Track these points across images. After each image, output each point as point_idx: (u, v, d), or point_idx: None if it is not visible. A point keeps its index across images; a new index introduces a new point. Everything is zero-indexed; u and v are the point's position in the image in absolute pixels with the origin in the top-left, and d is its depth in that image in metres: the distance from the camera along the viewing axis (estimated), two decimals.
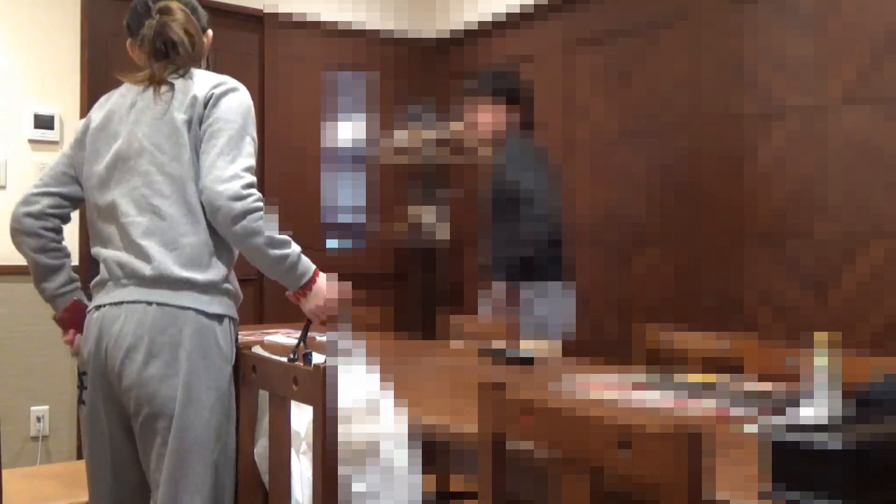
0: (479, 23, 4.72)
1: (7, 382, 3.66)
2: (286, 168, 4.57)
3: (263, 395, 1.92)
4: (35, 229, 1.93)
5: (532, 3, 4.36)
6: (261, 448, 1.92)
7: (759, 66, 3.36)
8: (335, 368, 1.64)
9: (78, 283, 2.03)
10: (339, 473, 1.64)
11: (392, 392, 1.82)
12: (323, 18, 4.69)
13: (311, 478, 1.74)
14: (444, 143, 4.79)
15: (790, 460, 1.11)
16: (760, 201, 3.35)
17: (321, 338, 2.17)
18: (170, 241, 1.79)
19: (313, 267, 1.89)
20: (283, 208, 4.87)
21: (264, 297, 4.42)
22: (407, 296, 4.94)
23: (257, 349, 2.00)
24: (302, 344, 2.02)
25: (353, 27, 4.77)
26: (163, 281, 1.77)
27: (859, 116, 3.05)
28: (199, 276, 1.79)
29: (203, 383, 1.77)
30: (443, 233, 4.89)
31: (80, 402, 1.89)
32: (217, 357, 1.81)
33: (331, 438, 1.63)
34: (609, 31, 3.98)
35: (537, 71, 4.37)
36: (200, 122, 1.83)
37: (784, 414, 1.54)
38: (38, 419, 3.71)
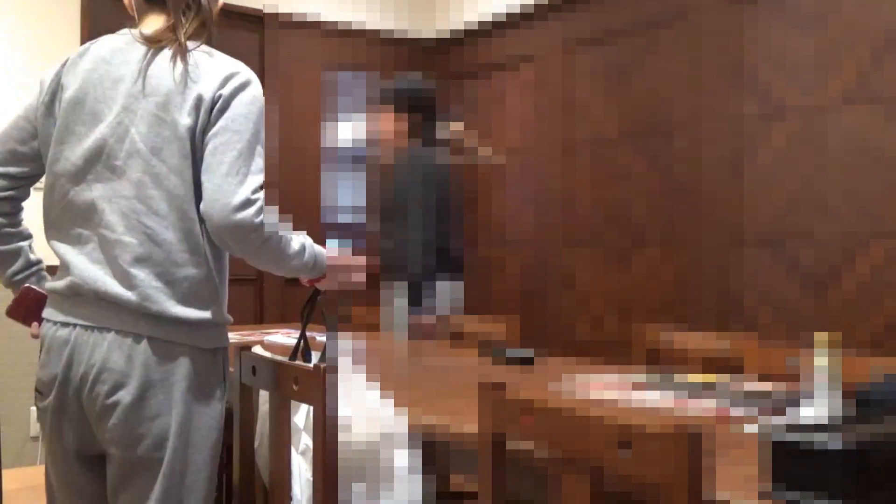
0: (479, 23, 4.72)
1: (7, 382, 3.66)
2: (286, 168, 4.57)
3: (263, 396, 1.92)
4: None
5: (532, 3, 4.36)
6: (261, 448, 1.92)
7: (758, 66, 3.36)
8: (335, 368, 1.64)
9: (38, 267, 1.78)
10: (339, 474, 1.64)
11: (392, 393, 1.82)
12: (323, 18, 4.69)
13: (310, 478, 1.74)
14: (444, 143, 4.79)
15: (790, 460, 1.11)
16: (760, 201, 3.35)
17: (321, 338, 2.17)
18: (164, 273, 1.55)
19: (325, 252, 1.77)
20: (284, 208, 4.86)
21: (264, 297, 4.43)
22: None
23: (257, 349, 2.00)
24: (303, 339, 2.00)
25: (353, 27, 4.77)
26: (154, 317, 1.55)
27: (859, 116, 3.05)
28: (196, 314, 1.59)
29: (199, 423, 1.60)
30: None
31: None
32: (213, 395, 1.64)
33: (331, 438, 1.63)
34: (609, 31, 3.98)
35: (537, 71, 4.37)
36: (205, 131, 1.57)
37: (784, 414, 1.54)
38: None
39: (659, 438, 1.08)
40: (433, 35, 5.02)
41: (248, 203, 1.54)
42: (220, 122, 1.57)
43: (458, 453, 1.57)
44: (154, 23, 1.65)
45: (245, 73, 1.65)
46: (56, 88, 1.65)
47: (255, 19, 4.49)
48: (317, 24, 4.67)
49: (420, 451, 1.69)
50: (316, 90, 4.68)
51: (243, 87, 1.62)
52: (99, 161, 1.57)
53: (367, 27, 4.83)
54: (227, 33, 4.79)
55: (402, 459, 1.70)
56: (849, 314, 3.04)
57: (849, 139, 3.08)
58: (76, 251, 1.59)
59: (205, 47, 1.65)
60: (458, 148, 4.76)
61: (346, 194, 3.38)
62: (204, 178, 1.55)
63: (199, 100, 1.56)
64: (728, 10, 3.48)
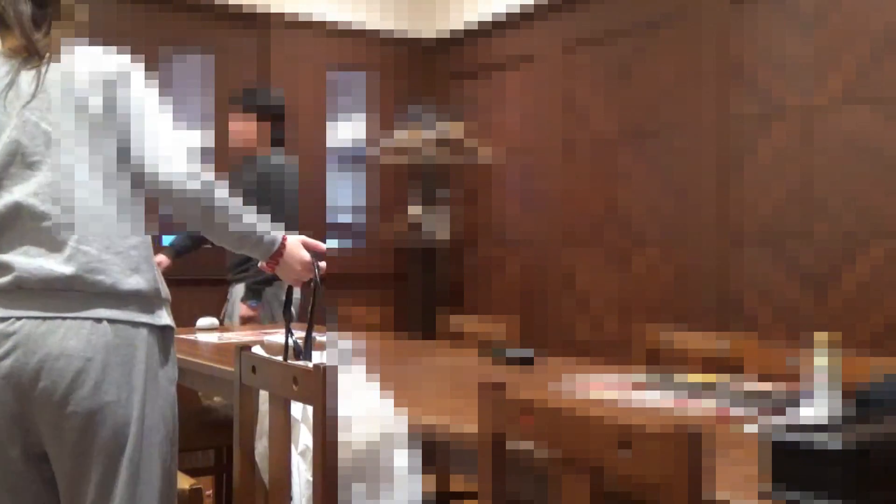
0: (479, 23, 4.72)
1: None
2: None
3: (263, 395, 1.92)
4: None
5: (532, 3, 4.36)
6: (261, 448, 1.92)
7: (758, 66, 3.36)
8: (335, 368, 1.64)
9: None
10: (339, 474, 1.64)
11: (392, 393, 1.82)
12: (323, 18, 4.69)
13: (310, 478, 1.74)
14: (444, 143, 4.80)
15: (790, 460, 1.11)
16: (760, 201, 3.35)
17: (321, 338, 2.17)
18: (111, 245, 1.56)
19: (281, 233, 1.76)
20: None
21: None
22: (407, 296, 4.94)
23: (257, 349, 2.00)
24: (292, 335, 1.99)
25: (353, 27, 4.77)
26: (109, 294, 1.55)
27: (859, 116, 3.05)
28: (144, 285, 1.59)
29: (157, 405, 1.61)
30: (443, 233, 4.89)
31: None
32: (168, 376, 1.65)
33: (331, 438, 1.63)
34: (609, 31, 3.98)
35: (537, 71, 4.37)
36: (112, 108, 1.58)
37: (784, 414, 1.54)
38: None
39: (659, 438, 1.08)
40: (433, 35, 5.02)
41: (167, 160, 1.58)
42: (122, 93, 1.59)
43: (458, 453, 1.57)
44: (10, 40, 1.64)
45: (123, 58, 1.64)
46: None
47: (256, 19, 4.49)
48: (317, 24, 4.68)
49: (420, 451, 1.69)
50: (316, 90, 4.68)
51: (131, 72, 1.62)
52: (13, 163, 1.57)
53: (367, 27, 4.83)
54: (227, 33, 4.81)
55: (402, 459, 1.70)
56: (849, 314, 3.04)
57: (849, 139, 3.08)
58: (14, 252, 1.56)
59: (85, 40, 1.64)
60: (452, 146, 4.76)
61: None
62: (133, 146, 1.58)
63: (103, 82, 1.58)
64: (728, 10, 3.48)
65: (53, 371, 1.50)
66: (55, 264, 1.53)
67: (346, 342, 1.89)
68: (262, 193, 3.26)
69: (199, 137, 1.65)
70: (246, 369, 1.93)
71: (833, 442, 1.08)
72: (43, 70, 1.59)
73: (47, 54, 1.60)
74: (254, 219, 1.69)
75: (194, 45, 4.19)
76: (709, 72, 3.55)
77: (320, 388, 1.62)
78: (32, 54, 1.60)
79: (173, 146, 1.60)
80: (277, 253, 1.77)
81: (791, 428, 1.15)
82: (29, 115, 1.57)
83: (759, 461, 1.19)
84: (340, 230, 4.78)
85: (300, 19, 4.61)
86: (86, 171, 1.57)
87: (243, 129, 3.48)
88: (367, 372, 1.83)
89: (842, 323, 3.06)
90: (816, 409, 1.33)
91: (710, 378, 2.00)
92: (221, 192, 1.62)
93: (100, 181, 1.57)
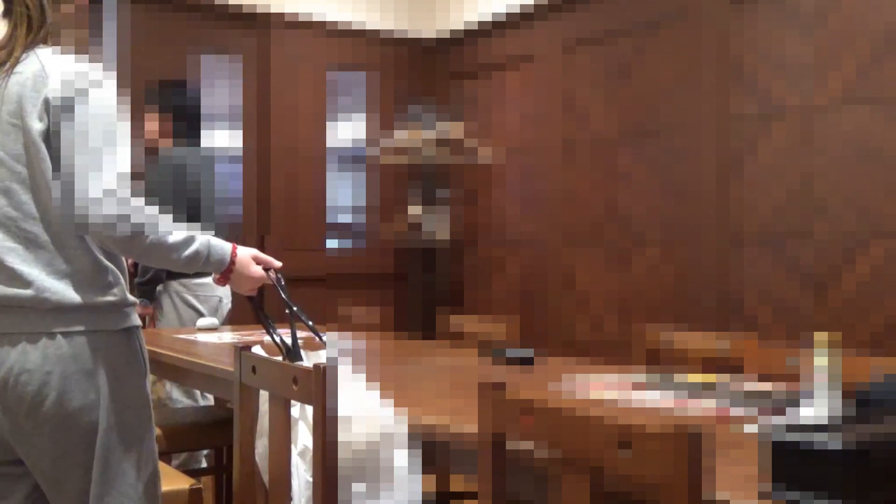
0: (479, 23, 4.72)
1: None
2: (287, 168, 4.57)
3: (263, 396, 1.92)
4: None
5: (532, 3, 4.36)
6: (261, 448, 1.92)
7: (758, 66, 3.36)
8: (335, 368, 1.64)
9: None
10: (339, 474, 1.64)
11: (392, 394, 1.82)
12: (323, 18, 4.69)
13: (309, 479, 1.74)
14: (444, 143, 4.80)
15: (790, 460, 1.11)
16: (760, 201, 3.35)
17: (321, 338, 2.17)
18: (56, 271, 1.59)
19: (230, 246, 1.76)
20: (284, 208, 4.86)
21: (264, 297, 4.42)
22: (407, 296, 4.94)
23: (257, 349, 2.00)
24: (273, 331, 1.99)
25: (353, 27, 4.77)
26: (58, 310, 1.58)
27: (859, 116, 3.05)
28: (98, 299, 1.62)
29: (126, 405, 1.65)
30: (443, 233, 4.90)
31: None
32: (135, 374, 1.69)
33: (331, 438, 1.63)
34: (609, 31, 3.98)
35: (537, 71, 4.37)
36: (55, 133, 1.56)
37: (784, 414, 1.54)
38: None
39: (659, 438, 1.08)
40: (433, 35, 5.02)
41: (109, 193, 1.54)
42: (65, 124, 1.56)
43: (458, 453, 1.57)
44: None
45: (92, 75, 1.61)
46: None
47: (256, 19, 4.49)
48: (317, 24, 4.68)
49: (420, 451, 1.69)
50: (316, 90, 4.68)
51: (85, 91, 1.59)
52: None
53: (367, 27, 4.82)
54: (227, 33, 4.81)
55: (402, 459, 1.70)
56: (849, 314, 3.04)
57: (849, 139, 3.08)
58: None
59: (57, 48, 1.63)
60: (452, 146, 4.76)
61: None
62: (55, 179, 1.56)
63: (46, 103, 1.57)
64: (728, 10, 3.48)
65: (18, 386, 1.56)
66: (4, 288, 1.57)
67: (346, 342, 1.89)
68: (163, 188, 3.25)
69: (138, 154, 1.63)
70: (246, 369, 1.93)
71: (833, 442, 1.08)
72: (3, 83, 1.59)
73: (7, 64, 1.60)
74: (195, 241, 1.67)
75: (194, 45, 4.19)
76: (709, 72, 3.55)
77: (320, 388, 1.62)
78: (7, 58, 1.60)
79: (105, 185, 1.55)
80: (227, 270, 1.77)
81: (791, 428, 1.15)
82: None
83: (759, 461, 1.19)
84: (340, 230, 4.78)
85: (300, 19, 4.61)
86: (27, 196, 1.58)
87: (158, 123, 3.41)
88: (367, 372, 1.83)
89: (842, 323, 3.06)
90: (816, 409, 1.33)
91: (710, 378, 2.00)
92: (158, 224, 1.60)
93: (40, 206, 1.58)
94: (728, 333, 2.54)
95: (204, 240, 1.69)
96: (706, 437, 1.06)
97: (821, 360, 1.42)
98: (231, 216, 3.46)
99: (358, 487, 1.68)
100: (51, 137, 1.57)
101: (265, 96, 4.52)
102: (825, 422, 1.18)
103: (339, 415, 1.64)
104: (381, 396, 1.78)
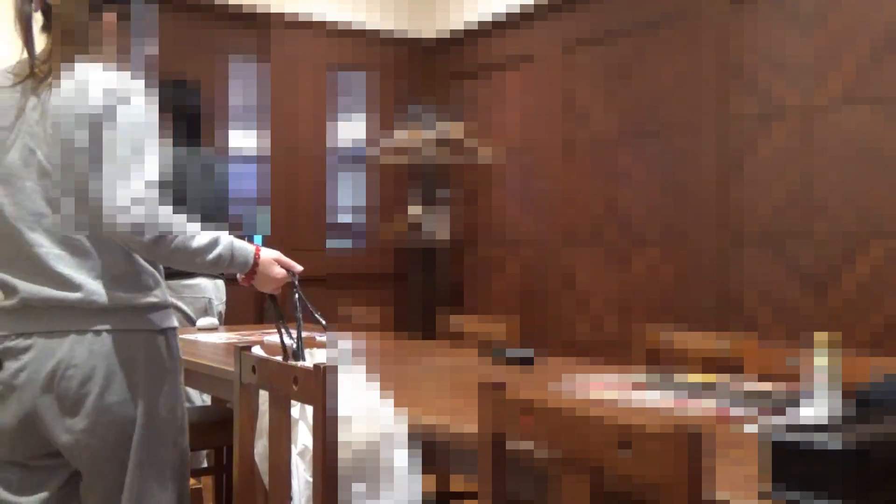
0: (479, 23, 4.72)
1: None
2: (288, 167, 4.57)
3: (263, 395, 1.92)
4: None
5: (532, 3, 4.36)
6: (261, 448, 1.92)
7: (758, 66, 3.36)
8: (335, 368, 1.64)
9: None
10: (339, 474, 1.65)
11: (392, 393, 1.82)
12: (323, 18, 4.69)
13: (308, 479, 1.74)
14: (444, 143, 4.80)
15: (790, 460, 1.11)
16: (760, 201, 3.35)
17: (321, 338, 2.17)
18: (101, 274, 1.68)
19: (252, 248, 1.81)
20: (284, 208, 4.86)
21: (264, 297, 4.42)
22: (407, 296, 4.94)
23: (257, 349, 2.00)
24: (285, 332, 2.00)
25: (353, 27, 4.77)
26: (104, 310, 1.68)
27: (859, 116, 3.05)
28: (142, 300, 1.72)
29: (164, 403, 1.74)
30: (443, 233, 4.89)
31: None
32: (172, 373, 1.77)
33: (331, 438, 1.63)
34: (609, 31, 3.98)
35: (537, 71, 4.37)
36: (93, 143, 1.63)
37: (784, 414, 1.54)
38: None
39: (659, 438, 1.08)
40: (433, 35, 5.02)
41: (137, 203, 1.61)
42: (100, 134, 1.63)
43: (458, 453, 1.57)
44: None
45: (124, 90, 1.67)
46: None
47: (256, 19, 4.49)
48: (317, 24, 4.67)
49: (420, 451, 1.69)
50: (316, 90, 4.68)
51: (119, 104, 1.65)
52: (10, 183, 1.68)
53: (367, 27, 4.83)
54: (227, 33, 4.81)
55: (402, 459, 1.70)
56: (849, 314, 3.04)
57: (849, 139, 3.08)
58: (14, 272, 1.68)
59: (95, 61, 1.68)
60: (452, 146, 4.76)
61: None
62: (91, 195, 1.63)
63: (84, 115, 1.63)
64: (728, 10, 3.48)
65: (63, 380, 1.65)
66: (52, 289, 1.66)
67: (346, 342, 1.89)
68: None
69: (167, 162, 1.68)
70: (246, 369, 1.93)
71: (833, 442, 1.08)
72: (43, 97, 1.65)
73: (48, 79, 1.66)
74: (219, 244, 1.72)
75: (194, 45, 4.19)
76: (709, 72, 3.55)
77: (320, 388, 1.62)
78: (36, 77, 1.67)
79: (133, 194, 1.61)
80: (251, 271, 1.83)
81: (791, 428, 1.15)
82: (28, 142, 1.67)
83: (759, 461, 1.19)
84: (340, 230, 4.78)
85: (300, 19, 4.61)
86: (72, 203, 1.65)
87: None
88: (367, 372, 1.83)
89: (842, 323, 3.06)
90: (816, 409, 1.33)
91: (710, 378, 2.00)
92: (181, 230, 1.65)
93: (85, 219, 1.65)
94: (728, 333, 2.54)
95: (227, 242, 1.75)
96: (706, 437, 1.06)
97: (821, 360, 1.42)
98: (241, 216, 3.46)
99: (358, 487, 1.68)
100: (88, 148, 1.63)
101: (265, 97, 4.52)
102: (825, 422, 1.18)
103: (340, 415, 1.64)
104: (382, 397, 1.78)
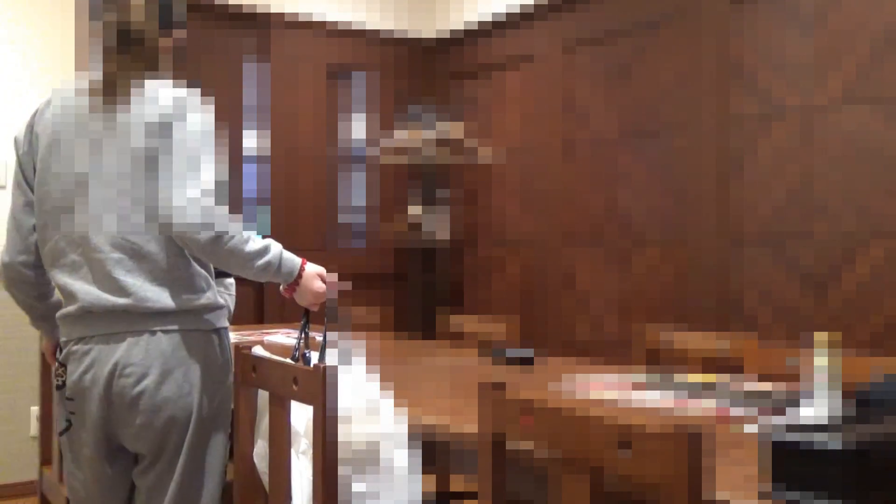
0: (479, 23, 4.72)
1: (7, 382, 3.66)
2: (288, 167, 4.57)
3: (263, 395, 1.92)
4: (33, 279, 1.91)
5: (532, 3, 4.36)
6: (261, 448, 1.92)
7: (758, 66, 3.36)
8: (335, 368, 1.64)
9: None
10: (339, 473, 1.64)
11: (392, 393, 1.82)
12: (323, 18, 4.69)
13: (310, 478, 1.74)
14: (444, 143, 4.79)
15: (790, 460, 1.11)
16: (760, 201, 3.35)
17: (321, 338, 2.17)
18: (156, 279, 1.77)
19: (299, 261, 1.89)
20: (284, 208, 4.86)
21: (264, 297, 4.42)
22: (407, 296, 4.94)
23: (257, 349, 2.00)
24: (303, 340, 2.02)
25: (353, 27, 4.77)
26: (160, 313, 1.77)
27: (859, 116, 3.05)
28: (194, 303, 1.81)
29: (217, 400, 1.84)
30: (443, 233, 4.89)
31: (64, 431, 1.86)
32: (225, 371, 1.88)
33: (331, 438, 1.63)
34: (609, 31, 3.98)
35: (537, 71, 4.37)
36: (158, 150, 1.74)
37: (784, 414, 1.54)
38: (39, 419, 3.71)
39: (659, 438, 1.08)
40: (433, 35, 5.02)
41: (193, 202, 1.70)
42: (162, 147, 1.74)
43: (458, 453, 1.57)
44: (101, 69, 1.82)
45: (191, 101, 1.79)
46: (31, 138, 1.87)
47: (256, 19, 4.49)
48: (317, 24, 4.67)
49: (420, 450, 1.69)
50: (316, 90, 4.68)
51: (185, 115, 1.77)
52: (80, 193, 1.78)
53: (367, 27, 4.83)
54: (227, 33, 4.81)
55: (402, 459, 1.70)
56: (849, 314, 3.04)
57: (849, 139, 3.08)
58: (75, 278, 1.79)
59: (163, 79, 1.82)
60: (452, 146, 4.76)
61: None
62: (149, 196, 1.75)
63: (149, 128, 1.74)
64: (728, 10, 3.48)
65: (122, 378, 1.75)
66: (107, 295, 1.76)
67: (346, 342, 1.89)
68: None
69: (224, 170, 1.80)
70: (246, 369, 1.93)
71: (833, 442, 1.08)
72: (117, 111, 1.76)
73: (120, 95, 1.77)
74: (269, 252, 1.81)
75: (194, 45, 4.19)
76: (709, 72, 3.55)
77: (320, 388, 1.62)
78: (109, 93, 1.78)
79: (190, 195, 1.71)
80: (294, 282, 1.89)
81: (791, 428, 1.15)
82: (97, 153, 1.77)
83: (759, 461, 1.19)
84: (341, 230, 4.78)
85: (300, 19, 4.61)
86: (129, 209, 1.75)
87: None
88: (367, 372, 1.83)
89: (842, 323, 3.06)
90: (816, 409, 1.33)
91: (710, 378, 2.00)
92: (237, 233, 1.75)
93: (143, 219, 1.76)
94: (728, 333, 2.54)
95: (277, 251, 1.83)
96: (706, 437, 1.06)
97: (821, 360, 1.42)
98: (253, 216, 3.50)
99: (358, 487, 1.68)
100: (153, 155, 1.74)
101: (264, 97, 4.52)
102: (825, 422, 1.18)
103: (340, 414, 1.64)
104: (382, 396, 1.78)
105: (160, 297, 1.76)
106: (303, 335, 2.03)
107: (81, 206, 1.77)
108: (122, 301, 1.75)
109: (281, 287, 1.92)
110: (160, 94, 1.77)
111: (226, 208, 1.75)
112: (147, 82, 1.79)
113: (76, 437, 1.83)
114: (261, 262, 1.78)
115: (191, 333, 1.80)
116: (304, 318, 2.04)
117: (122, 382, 1.75)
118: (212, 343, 1.84)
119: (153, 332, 1.76)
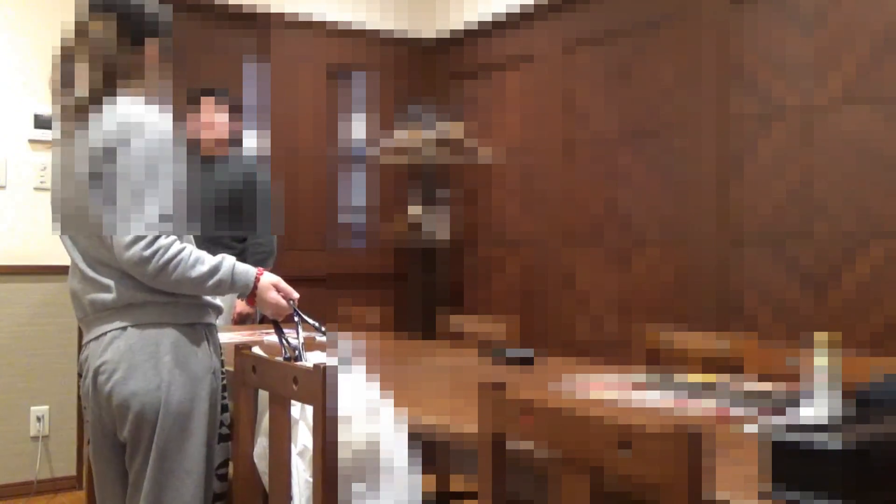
0: (479, 23, 4.72)
1: (7, 382, 3.66)
2: (288, 167, 4.57)
3: (263, 395, 1.92)
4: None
5: (532, 3, 4.36)
6: (260, 448, 1.92)
7: (758, 66, 3.36)
8: (335, 368, 1.64)
9: None
10: (338, 473, 1.64)
11: (392, 393, 1.82)
12: (323, 18, 4.69)
13: (308, 478, 1.74)
14: (444, 143, 4.79)
15: (790, 460, 1.11)
16: (760, 201, 3.35)
17: (321, 338, 2.17)
18: (132, 278, 1.82)
19: (254, 272, 1.91)
20: (285, 208, 4.86)
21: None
22: (407, 296, 4.94)
23: (257, 349, 2.00)
24: (286, 344, 2.02)
25: (353, 27, 4.77)
26: (133, 306, 1.82)
27: (859, 116, 3.05)
28: (168, 296, 1.83)
29: (187, 395, 1.82)
30: (443, 233, 4.89)
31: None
32: (200, 366, 1.85)
33: (331, 438, 1.63)
34: (609, 31, 3.98)
35: (537, 71, 4.37)
36: (103, 178, 1.76)
37: (784, 414, 1.54)
38: (38, 419, 3.71)
39: (659, 438, 1.08)
40: (433, 35, 5.02)
41: (136, 240, 1.73)
42: (108, 169, 1.75)
43: (458, 453, 1.57)
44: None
45: (135, 124, 1.75)
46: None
47: (255, 19, 4.49)
48: (317, 24, 4.67)
49: (420, 450, 1.69)
50: (316, 90, 4.68)
51: (127, 141, 1.75)
52: (73, 204, 1.84)
53: (367, 27, 4.83)
54: (226, 33, 4.80)
55: (402, 459, 1.70)
56: (849, 314, 3.04)
57: (849, 139, 3.08)
58: (77, 280, 1.89)
59: (134, 94, 1.81)
60: (452, 146, 4.76)
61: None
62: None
63: (105, 148, 1.75)
64: (728, 10, 3.48)
65: (99, 376, 1.82)
66: (94, 294, 1.84)
67: (346, 342, 1.89)
68: (247, 194, 3.42)
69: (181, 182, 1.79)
70: (246, 369, 1.93)
71: (833, 442, 1.08)
72: (86, 130, 1.78)
73: (90, 111, 1.78)
74: (220, 270, 1.83)
75: (194, 45, 4.19)
76: (709, 72, 3.55)
77: (320, 388, 1.62)
78: (81, 109, 1.80)
79: (134, 228, 1.73)
80: (251, 294, 1.93)
81: (791, 428, 1.15)
82: (74, 169, 1.81)
83: (759, 461, 1.19)
84: (341, 230, 4.78)
85: (300, 19, 4.61)
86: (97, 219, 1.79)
87: (219, 123, 3.46)
88: (367, 372, 1.83)
89: (842, 323, 3.06)
90: (816, 409, 1.33)
91: (710, 378, 2.00)
92: (182, 260, 1.77)
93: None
94: (728, 333, 2.54)
95: (228, 268, 1.85)
96: (706, 437, 1.06)
97: (821, 360, 1.42)
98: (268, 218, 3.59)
99: (358, 487, 1.68)
100: (100, 186, 1.76)
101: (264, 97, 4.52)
102: (825, 422, 1.18)
103: (340, 414, 1.64)
104: (381, 397, 1.78)
105: (134, 291, 1.81)
106: (284, 342, 2.04)
107: (67, 215, 1.86)
108: (104, 296, 1.82)
109: (244, 299, 1.95)
110: (106, 119, 1.76)
111: (172, 237, 1.76)
112: (119, 98, 1.78)
113: (91, 436, 1.93)
114: (212, 281, 1.81)
115: (163, 327, 1.81)
116: (278, 332, 2.05)
117: (100, 380, 1.82)
118: (190, 338, 1.85)
119: (124, 329, 1.80)
